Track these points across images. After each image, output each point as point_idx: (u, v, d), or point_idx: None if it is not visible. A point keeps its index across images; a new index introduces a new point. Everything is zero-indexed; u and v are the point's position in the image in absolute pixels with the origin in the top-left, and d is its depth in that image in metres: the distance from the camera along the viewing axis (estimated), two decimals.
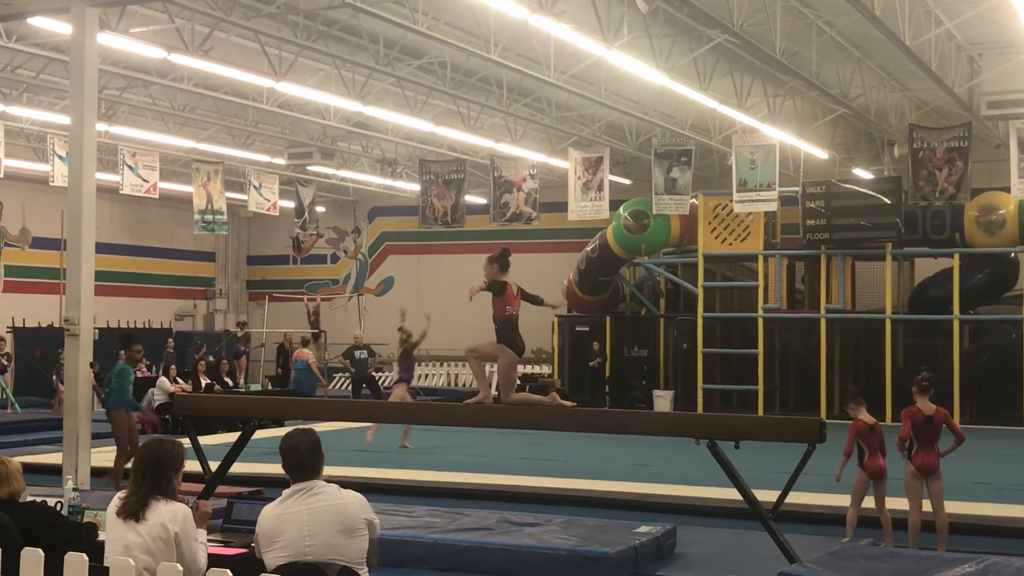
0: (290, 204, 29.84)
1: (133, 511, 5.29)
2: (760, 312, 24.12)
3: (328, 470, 5.66)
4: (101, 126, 20.58)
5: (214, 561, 5.23)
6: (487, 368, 10.20)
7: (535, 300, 9.46)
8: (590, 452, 16.55)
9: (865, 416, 10.26)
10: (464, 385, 31.37)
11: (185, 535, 5.29)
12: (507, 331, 8.94)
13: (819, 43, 18.30)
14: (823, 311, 23.60)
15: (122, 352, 14.01)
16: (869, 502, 10.40)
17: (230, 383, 24.17)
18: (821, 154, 24.86)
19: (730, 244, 24.47)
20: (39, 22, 15.40)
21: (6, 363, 24.41)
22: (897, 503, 10.37)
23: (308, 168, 28.53)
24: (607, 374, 26.09)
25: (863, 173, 25.49)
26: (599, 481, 13.84)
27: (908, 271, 26.21)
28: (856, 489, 10.34)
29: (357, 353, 24.96)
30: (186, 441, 8.95)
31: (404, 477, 14.37)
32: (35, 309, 28.33)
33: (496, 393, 10.06)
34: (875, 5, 15.08)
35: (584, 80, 20.06)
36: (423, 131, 24.27)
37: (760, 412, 23.24)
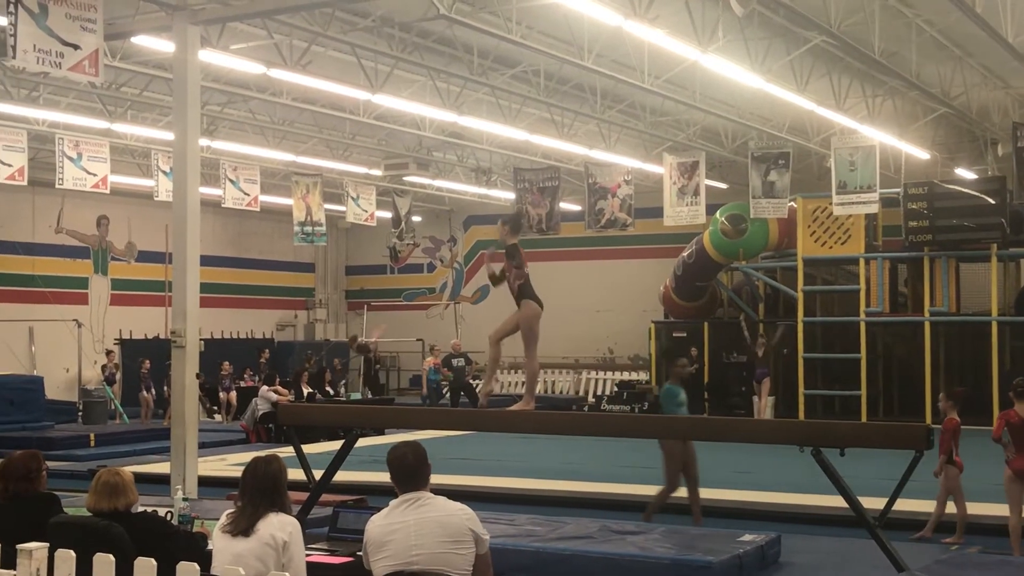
0: (387, 214, 30.13)
1: (243, 529, 5.36)
2: (862, 316, 23.74)
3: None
4: (203, 141, 20.97)
5: (321, 570, 5.30)
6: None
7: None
8: None
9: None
10: (560, 392, 31.38)
11: (294, 543, 5.36)
12: (528, 289, 8.79)
13: (918, 42, 17.98)
14: (927, 314, 23.16)
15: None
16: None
17: (331, 392, 24.50)
18: (922, 154, 24.42)
19: (830, 247, 24.13)
20: (142, 41, 15.73)
21: (115, 374, 25.01)
22: (983, 508, 10.17)
23: (404, 179, 28.77)
24: (706, 380, 25.88)
25: (966, 173, 24.98)
26: (700, 489, 13.72)
27: (1014, 272, 25.60)
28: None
29: (455, 361, 25.16)
30: (289, 450, 9.12)
31: (503, 485, 14.42)
32: (141, 321, 28.98)
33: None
34: (976, 2, 14.78)
35: (679, 84, 19.95)
36: (517, 139, 24.32)
37: (863, 418, 22.87)
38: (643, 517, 11.19)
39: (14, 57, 11.57)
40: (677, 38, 15.66)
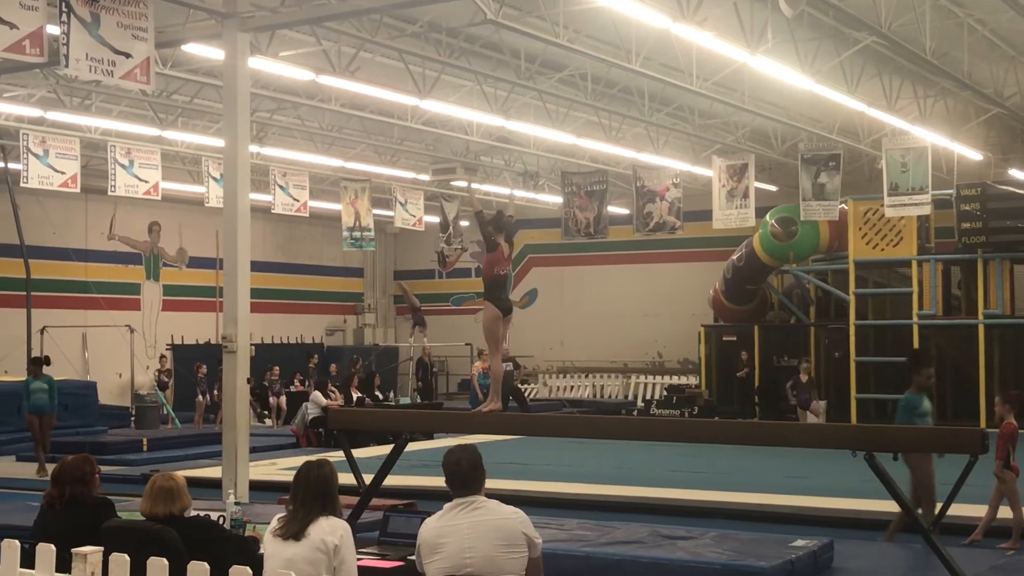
0: (435, 219, 30.19)
1: (294, 533, 5.39)
2: (915, 319, 23.49)
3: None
4: (253, 147, 21.11)
5: (372, 575, 5.30)
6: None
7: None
8: (741, 463, 16.31)
9: None
10: (609, 396, 31.30)
11: (345, 547, 5.37)
12: (494, 290, 9.17)
13: (970, 42, 17.78)
14: (981, 317, 22.88)
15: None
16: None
17: (380, 397, 24.56)
18: (975, 155, 24.14)
19: (882, 249, 23.90)
20: (193, 48, 15.89)
21: (167, 380, 25.23)
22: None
23: (452, 183, 28.85)
24: (756, 384, 25.69)
25: (1020, 174, 24.67)
26: (751, 494, 13.64)
27: None
28: None
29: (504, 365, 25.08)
30: (339, 454, 9.15)
31: (553, 489, 14.38)
32: (193, 327, 29.23)
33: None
34: None
35: (727, 87, 19.85)
36: (565, 143, 24.30)
37: None
38: (884, 537, 10.53)
39: (67, 66, 11.72)
40: (726, 40, 15.58)
